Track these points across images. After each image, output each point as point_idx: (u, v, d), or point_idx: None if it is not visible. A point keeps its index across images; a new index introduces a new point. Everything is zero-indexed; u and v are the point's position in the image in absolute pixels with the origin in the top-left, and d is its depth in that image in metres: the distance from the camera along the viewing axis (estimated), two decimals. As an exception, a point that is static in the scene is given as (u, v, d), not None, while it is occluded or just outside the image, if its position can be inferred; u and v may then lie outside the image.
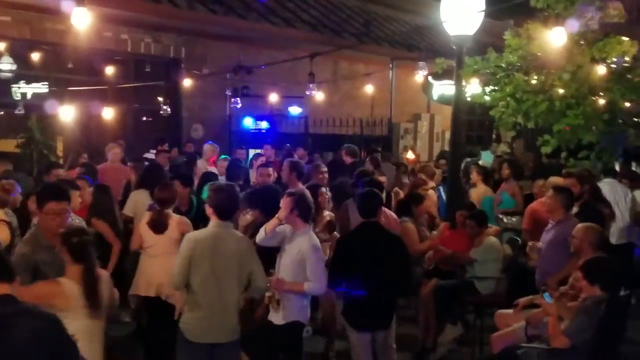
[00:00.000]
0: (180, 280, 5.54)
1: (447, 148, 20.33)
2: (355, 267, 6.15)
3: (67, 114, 11.00)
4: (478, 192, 10.41)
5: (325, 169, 9.29)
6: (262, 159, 10.71)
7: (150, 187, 8.21)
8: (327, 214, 7.76)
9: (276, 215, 6.10)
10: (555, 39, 5.72)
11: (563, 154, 10.82)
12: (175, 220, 7.06)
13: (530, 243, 7.52)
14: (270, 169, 9.05)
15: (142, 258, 7.18)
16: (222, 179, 9.29)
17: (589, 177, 7.88)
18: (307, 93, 8.31)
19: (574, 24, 5.67)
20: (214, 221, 5.64)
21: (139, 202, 8.29)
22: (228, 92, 15.97)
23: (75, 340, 3.60)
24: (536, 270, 7.44)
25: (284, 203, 6.08)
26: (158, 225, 7.00)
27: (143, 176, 9.14)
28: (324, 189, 7.85)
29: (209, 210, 5.68)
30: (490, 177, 11.27)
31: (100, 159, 11.68)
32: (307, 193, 6.47)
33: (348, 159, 11.92)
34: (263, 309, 6.41)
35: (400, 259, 6.29)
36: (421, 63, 10.95)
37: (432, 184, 11.08)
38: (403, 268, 6.32)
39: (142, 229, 7.11)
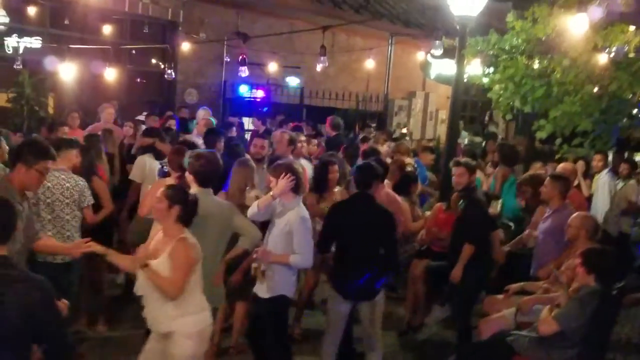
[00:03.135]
0: None
1: (440, 127, 20.42)
2: (342, 234, 6.19)
3: (61, 71, 10.84)
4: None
5: (303, 138, 9.16)
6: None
7: (154, 150, 8.26)
8: (338, 191, 7.71)
9: (271, 193, 6.04)
10: (575, 25, 5.64)
11: (557, 140, 10.82)
12: None
13: (527, 230, 7.51)
14: (266, 141, 8.90)
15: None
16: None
17: (476, 168, 7.69)
18: (313, 65, 8.24)
19: (592, 12, 5.58)
20: (195, 188, 5.61)
21: (146, 167, 8.15)
22: (227, 59, 15.84)
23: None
24: (532, 258, 7.45)
25: (283, 181, 6.00)
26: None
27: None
28: (335, 166, 7.74)
29: (189, 178, 5.68)
30: (476, 157, 11.22)
31: (93, 118, 11.59)
32: (296, 164, 6.40)
33: (331, 132, 11.97)
34: (240, 273, 6.41)
35: (387, 235, 6.31)
36: (436, 42, 10.87)
37: (409, 160, 10.96)
38: (388, 244, 6.34)
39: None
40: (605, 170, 10.05)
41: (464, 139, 17.33)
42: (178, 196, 4.88)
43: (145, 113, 12.96)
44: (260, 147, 8.56)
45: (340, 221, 6.28)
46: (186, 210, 4.86)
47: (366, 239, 6.17)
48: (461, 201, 7.42)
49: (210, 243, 5.51)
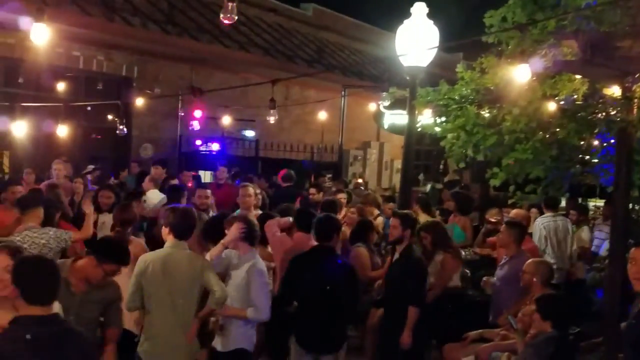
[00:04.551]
0: (133, 301, 5.52)
1: (395, 176, 20.60)
2: (303, 287, 6.17)
3: (15, 129, 10.77)
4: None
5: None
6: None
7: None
8: None
9: (221, 242, 6.06)
10: (518, 75, 5.80)
11: (511, 187, 10.98)
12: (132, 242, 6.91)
13: (484, 278, 7.60)
14: (208, 191, 8.94)
15: None
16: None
17: (413, 221, 7.37)
18: (265, 119, 8.37)
19: (533, 64, 5.75)
20: (170, 241, 5.61)
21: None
22: (181, 113, 15.88)
23: None
24: (490, 305, 7.51)
25: (233, 229, 6.04)
26: None
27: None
28: (272, 221, 7.75)
29: (165, 231, 5.66)
30: (429, 205, 11.25)
31: (48, 175, 11.49)
32: (251, 216, 6.45)
33: (282, 184, 12.39)
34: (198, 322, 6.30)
35: (348, 287, 6.32)
36: (384, 94, 11.08)
37: (376, 212, 11.04)
38: (350, 296, 6.35)
39: None
40: (550, 214, 10.20)
41: (426, 186, 17.55)
42: None
43: (91, 166, 12.91)
44: (204, 197, 8.60)
45: (301, 274, 6.29)
46: None
47: (327, 291, 6.18)
48: (396, 255, 7.21)
49: (183, 296, 5.50)
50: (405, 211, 7.72)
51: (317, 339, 6.29)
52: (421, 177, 20.27)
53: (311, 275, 6.25)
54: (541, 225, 9.91)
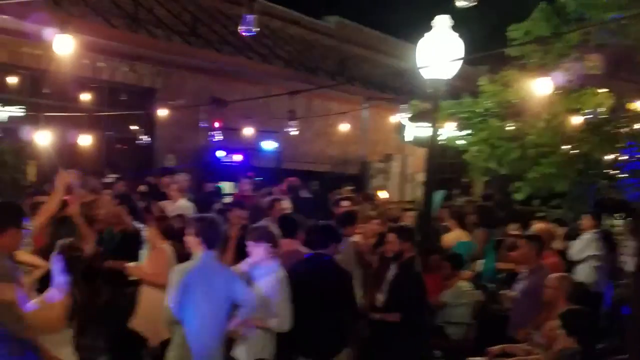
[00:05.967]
0: (174, 314, 5.53)
1: (418, 189, 20.49)
2: (300, 293, 6.16)
3: (41, 139, 10.87)
4: (451, 236, 10.32)
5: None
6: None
7: None
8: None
9: (248, 261, 6.07)
10: (540, 89, 5.77)
11: (536, 202, 10.91)
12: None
13: (502, 292, 7.53)
14: (244, 212, 8.88)
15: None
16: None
17: (410, 232, 7.25)
18: (287, 130, 8.36)
19: (555, 77, 5.72)
20: (200, 252, 5.58)
21: None
22: (204, 124, 15.95)
23: None
24: (509, 319, 7.43)
25: (259, 250, 6.04)
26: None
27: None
28: None
29: (195, 241, 5.61)
30: (464, 220, 11.18)
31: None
32: (273, 227, 6.42)
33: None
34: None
35: (344, 295, 6.31)
36: (402, 106, 11.05)
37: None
38: (346, 302, 6.33)
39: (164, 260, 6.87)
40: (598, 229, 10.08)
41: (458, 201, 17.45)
42: None
43: (116, 176, 12.94)
44: (244, 219, 8.55)
45: (298, 281, 6.27)
46: None
47: (324, 298, 6.17)
48: (395, 271, 7.10)
49: (219, 307, 5.53)
50: (401, 224, 7.67)
51: (313, 344, 6.26)
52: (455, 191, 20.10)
53: (307, 282, 6.24)
54: (593, 238, 9.79)
